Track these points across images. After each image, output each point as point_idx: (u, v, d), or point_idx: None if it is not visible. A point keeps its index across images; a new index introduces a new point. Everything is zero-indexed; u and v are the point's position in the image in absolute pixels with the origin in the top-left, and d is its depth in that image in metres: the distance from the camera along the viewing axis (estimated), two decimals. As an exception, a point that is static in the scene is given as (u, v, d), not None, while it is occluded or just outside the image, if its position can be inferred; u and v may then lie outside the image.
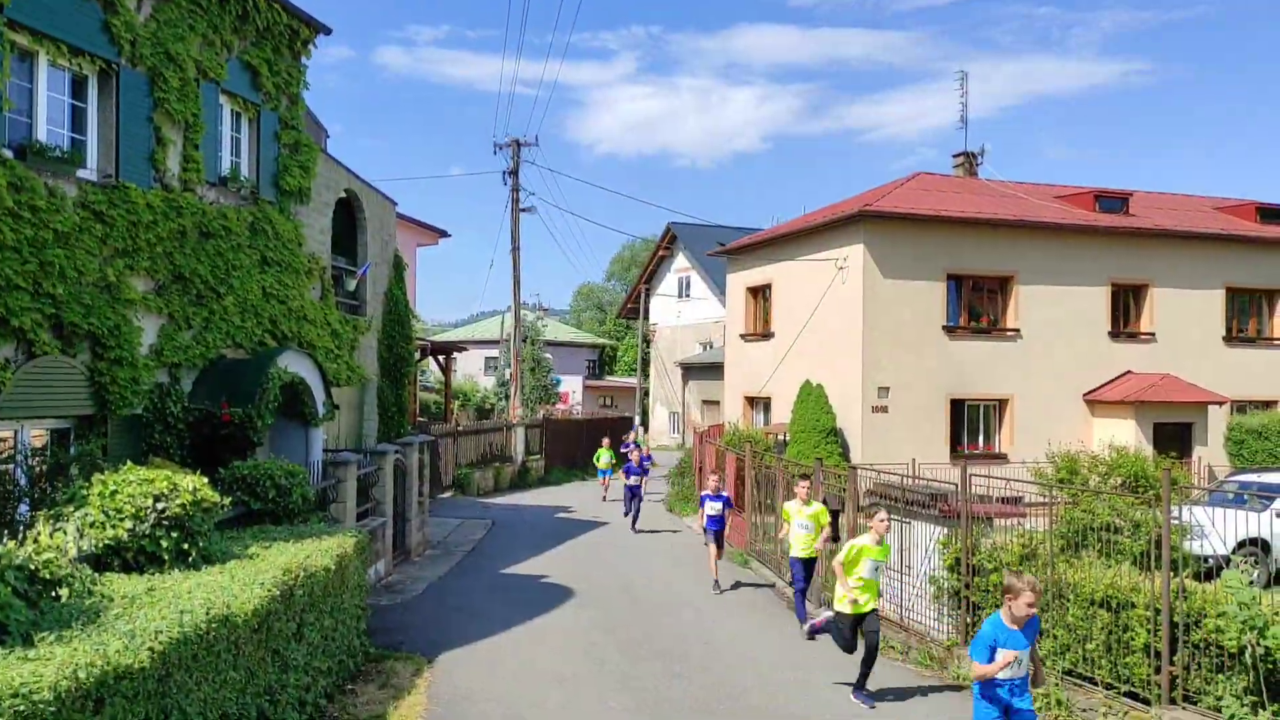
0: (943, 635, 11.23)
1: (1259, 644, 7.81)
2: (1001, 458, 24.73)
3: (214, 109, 13.20)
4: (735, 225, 44.44)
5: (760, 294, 30.23)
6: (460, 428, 28.64)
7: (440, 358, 31.83)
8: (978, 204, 26.97)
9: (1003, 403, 26.06)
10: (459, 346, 35.68)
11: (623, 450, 27.15)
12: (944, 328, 25.56)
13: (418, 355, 25.58)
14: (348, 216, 18.83)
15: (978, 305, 26.48)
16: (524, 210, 31.94)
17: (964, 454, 24.44)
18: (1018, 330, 26.07)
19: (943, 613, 11.35)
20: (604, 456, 27.78)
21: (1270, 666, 7.85)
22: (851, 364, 25.04)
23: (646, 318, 48.27)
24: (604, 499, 26.57)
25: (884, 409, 25.00)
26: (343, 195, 17.99)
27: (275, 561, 8.04)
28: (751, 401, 30.57)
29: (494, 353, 50.74)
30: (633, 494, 21.96)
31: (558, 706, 9.06)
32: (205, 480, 8.39)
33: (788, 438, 25.30)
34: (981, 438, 26.03)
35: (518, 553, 17.66)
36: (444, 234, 29.62)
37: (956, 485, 11.48)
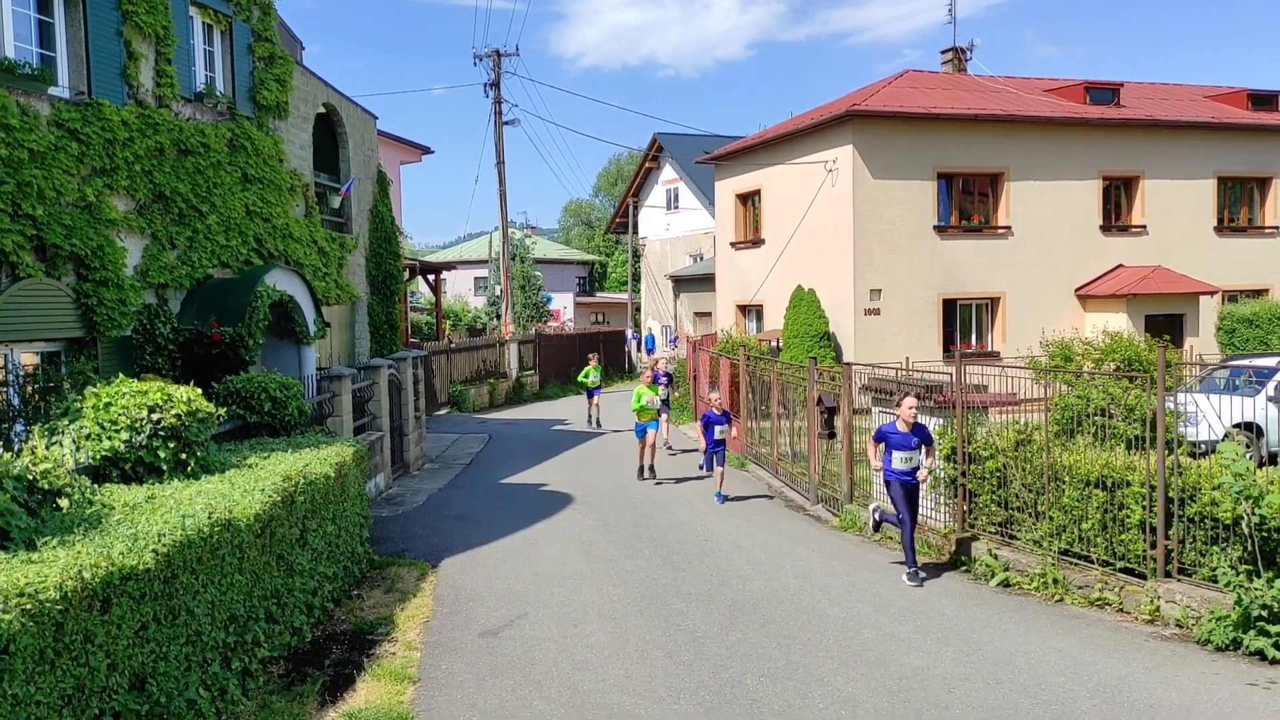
0: (940, 523, 11.36)
1: (1254, 513, 7.90)
2: (994, 355, 24.78)
3: (184, 21, 12.85)
4: (722, 134, 43.85)
5: (749, 200, 29.97)
6: (453, 345, 28.60)
7: (430, 277, 31.64)
8: (967, 101, 26.59)
9: (994, 301, 26.06)
10: (448, 266, 35.45)
11: (658, 381, 17.89)
12: (935, 227, 25.42)
13: (406, 274, 25.41)
14: (328, 132, 18.50)
15: (968, 203, 26.30)
16: (507, 123, 31.45)
17: (957, 353, 24.51)
18: (1009, 227, 25.94)
19: (940, 501, 11.47)
20: (592, 374, 23.79)
21: (1265, 535, 7.95)
22: (843, 267, 24.96)
23: (635, 231, 47.91)
24: (593, 421, 23.47)
25: (876, 311, 24.98)
26: (322, 110, 17.65)
27: (275, 469, 8.05)
28: (744, 310, 30.54)
29: (483, 273, 50.49)
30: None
31: (560, 601, 9.19)
32: (199, 391, 8.35)
33: (780, 344, 25.33)
34: (974, 336, 26.09)
35: (516, 463, 17.77)
36: (427, 150, 29.19)
37: (951, 376, 11.50)
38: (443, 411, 26.33)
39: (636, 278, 49.51)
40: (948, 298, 25.59)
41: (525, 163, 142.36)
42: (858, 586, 9.83)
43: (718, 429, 14.79)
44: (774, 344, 25.70)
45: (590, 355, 24.63)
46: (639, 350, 42.54)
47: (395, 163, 27.13)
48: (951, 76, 30.10)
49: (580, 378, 24.04)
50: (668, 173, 45.74)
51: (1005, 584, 9.86)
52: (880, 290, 24.99)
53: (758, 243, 29.11)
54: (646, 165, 47.28)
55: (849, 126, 24.48)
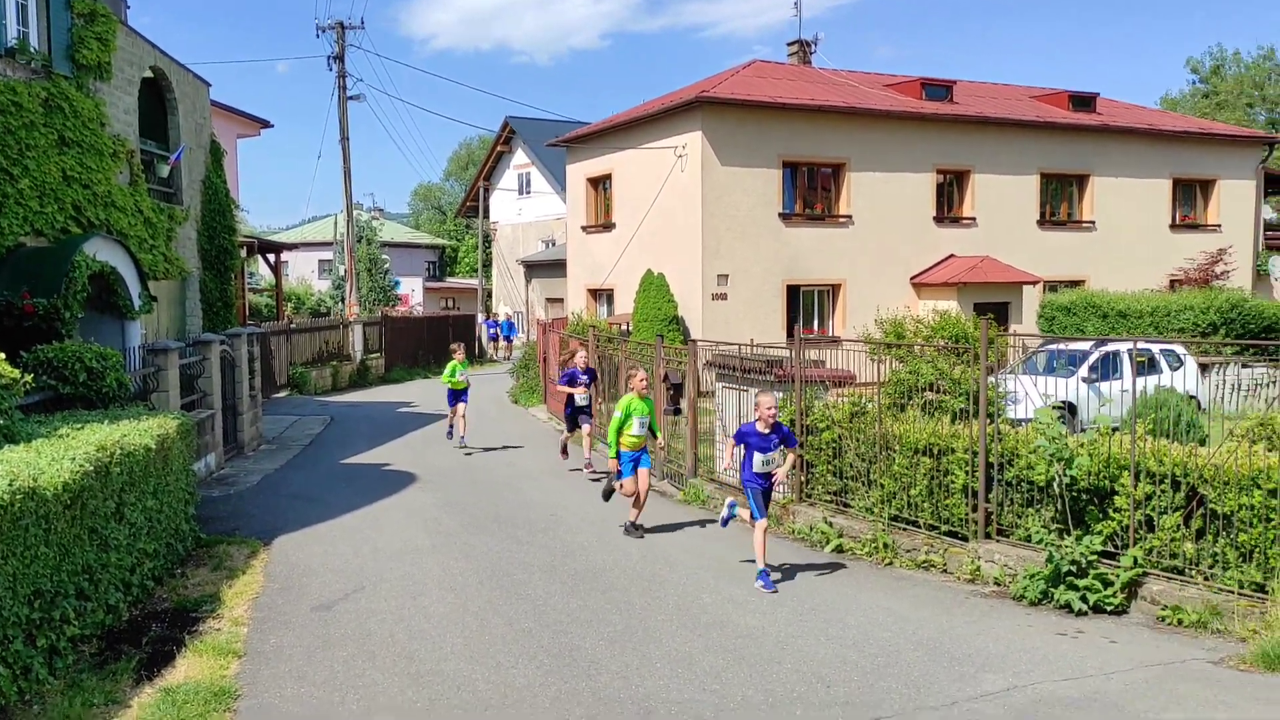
0: (779, 495, 11.63)
1: (1065, 474, 8.38)
2: (835, 341, 25.58)
3: (-9, -32, 11.93)
4: (576, 120, 43.77)
5: (601, 184, 30.00)
6: (294, 325, 27.63)
7: (270, 257, 30.46)
8: (811, 92, 27.31)
9: (835, 287, 26.87)
10: (289, 246, 34.23)
11: (576, 379, 14.85)
12: (780, 215, 26.01)
13: (244, 251, 24.38)
14: (156, 98, 17.51)
15: (812, 193, 27.02)
16: (352, 98, 30.55)
17: (797, 331, 25.16)
18: (850, 217, 26.77)
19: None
20: (459, 371, 16.84)
21: (1074, 495, 8.45)
22: (691, 252, 25.28)
23: (486, 216, 47.36)
24: (455, 436, 16.91)
25: (723, 296, 25.41)
26: (149, 74, 16.70)
27: (88, 439, 7.56)
28: (595, 294, 30.58)
29: (328, 255, 48.98)
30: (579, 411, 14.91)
31: (399, 575, 8.99)
32: (1, 356, 7.78)
33: (631, 327, 25.49)
34: (816, 322, 26.84)
35: (358, 444, 17.30)
36: (266, 124, 28.04)
37: (790, 351, 11.79)
38: (282, 394, 25.41)
39: (488, 263, 48.96)
40: (792, 284, 26.25)
41: (373, 145, 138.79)
42: (699, 556, 9.97)
43: (578, 387, 14.90)
44: (624, 327, 25.86)
45: (454, 347, 17.37)
46: (494, 338, 42.00)
47: (232, 135, 25.96)
48: (797, 68, 30.85)
49: (445, 377, 17.05)
50: (520, 157, 45.39)
51: (840, 550, 10.17)
52: (727, 276, 25.43)
53: (609, 227, 29.18)
54: (498, 149, 46.78)
55: (698, 113, 24.78)
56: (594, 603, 8.19)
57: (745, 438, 9.32)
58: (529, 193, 44.95)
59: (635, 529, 10.85)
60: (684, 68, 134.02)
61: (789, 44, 32.38)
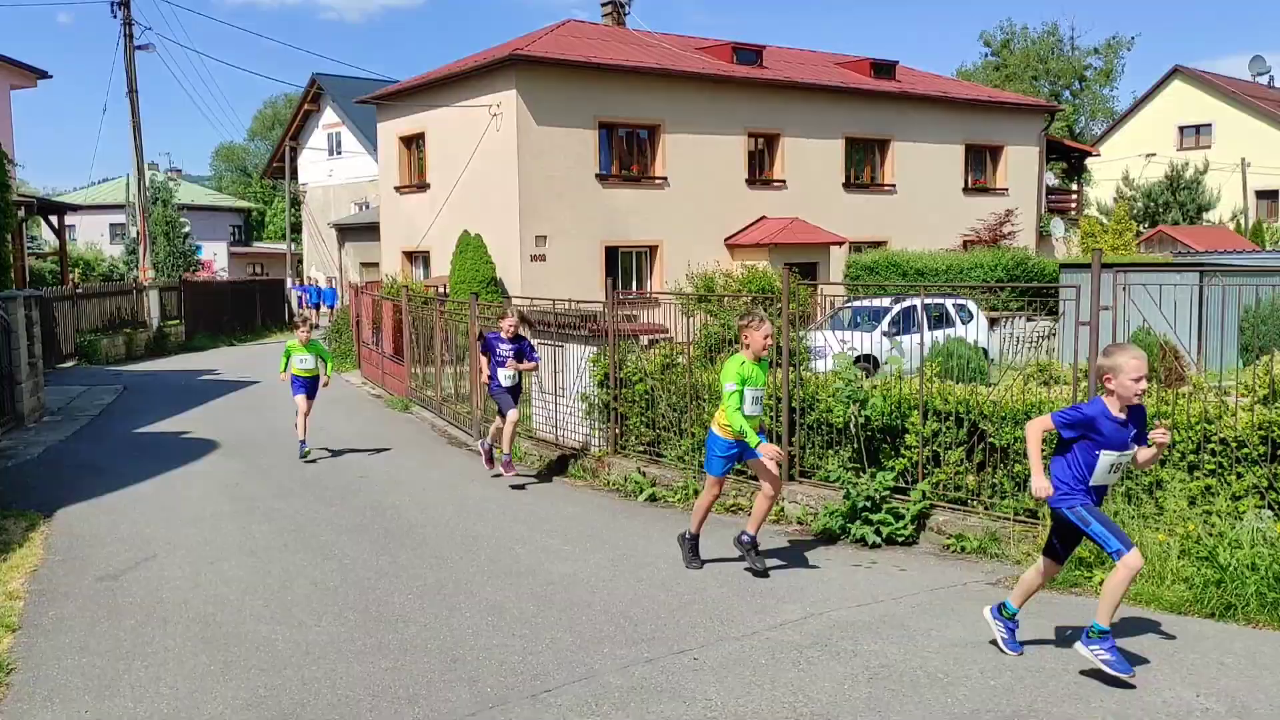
0: (596, 448, 11.72)
1: (860, 415, 8.78)
2: (653, 301, 25.93)
3: None
4: (388, 78, 42.43)
5: (414, 144, 29.26)
6: (80, 289, 25.81)
7: (53, 219, 28.30)
8: (626, 53, 27.37)
9: (653, 248, 27.20)
10: (74, 207, 31.91)
11: (497, 354, 11.18)
12: (597, 176, 26.07)
13: (21, 211, 22.54)
14: (-91, 38, 15.89)
15: (628, 154, 27.17)
16: (140, 48, 28.60)
17: (608, 285, 25.36)
18: (665, 178, 27.10)
19: (594, 427, 11.83)
20: (304, 356, 12.61)
21: (869, 435, 8.87)
22: (509, 213, 25.03)
23: (295, 178, 45.44)
24: (304, 434, 12.55)
25: (542, 258, 25.32)
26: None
27: None
28: (410, 256, 29.90)
29: (120, 218, 45.92)
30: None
31: (196, 541, 8.58)
32: None
33: (448, 290, 25.05)
34: (635, 282, 27.11)
35: (155, 413, 16.37)
36: (43, 74, 25.86)
37: (604, 307, 11.85)
38: (69, 364, 23.75)
39: (297, 227, 47.05)
40: (610, 245, 26.40)
41: (169, 103, 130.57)
42: (513, 509, 9.94)
43: (502, 349, 11.16)
44: (441, 290, 25.39)
45: (301, 322, 13.59)
46: (314, 305, 40.34)
47: (4, 86, 23.87)
48: (611, 29, 30.85)
49: (288, 356, 12.65)
50: (329, 116, 43.67)
51: (653, 499, 10.34)
52: (546, 237, 25.33)
53: (423, 187, 28.53)
54: (306, 108, 44.86)
55: (512, 71, 24.46)
56: (405, 559, 8.05)
57: (491, 346, 11.23)
58: (340, 153, 43.35)
59: (755, 555, 7.48)
60: (503, 28, 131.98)
61: (603, 4, 32.33)
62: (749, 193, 28.66)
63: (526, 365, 11.36)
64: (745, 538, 7.60)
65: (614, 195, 26.33)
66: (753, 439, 7.19)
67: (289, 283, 42.31)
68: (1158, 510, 7.08)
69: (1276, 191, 49.37)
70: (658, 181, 27.04)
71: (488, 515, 9.64)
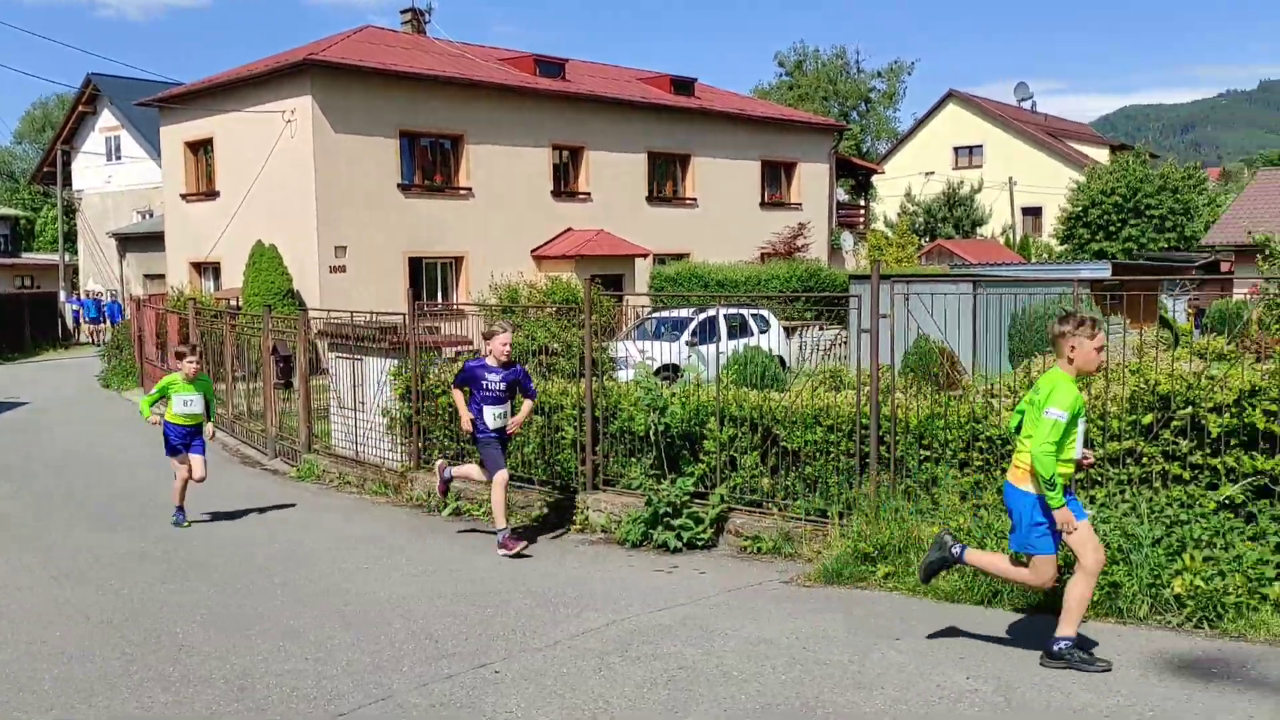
0: (397, 463, 11.47)
1: (660, 422, 8.96)
2: (459, 313, 25.64)
3: None
4: (171, 80, 40.21)
5: (202, 149, 27.86)
6: None
7: None
8: (427, 62, 27.01)
9: (459, 260, 26.90)
10: None
11: (480, 381, 8.80)
12: (399, 186, 25.59)
13: None
14: None
15: (432, 164, 26.80)
16: (-115, 40, 25.94)
17: (408, 294, 24.92)
18: (470, 189, 26.87)
19: (396, 442, 11.58)
20: (189, 397, 9.74)
21: (669, 442, 9.06)
22: (306, 223, 24.21)
23: (68, 184, 42.38)
24: (182, 501, 9.82)
25: (342, 269, 24.61)
26: None
27: None
28: (199, 268, 28.45)
29: None
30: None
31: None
32: None
33: (241, 303, 23.96)
34: (440, 294, 26.72)
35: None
36: None
37: (406, 318, 11.62)
38: None
39: (71, 236, 43.88)
40: (414, 256, 25.94)
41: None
42: (311, 529, 9.61)
43: (490, 380, 8.94)
44: (233, 303, 24.25)
45: (183, 349, 10.39)
46: (93, 320, 37.52)
47: None
48: (412, 37, 30.39)
49: (164, 395, 9.77)
50: (107, 119, 41.00)
51: (458, 512, 10.20)
52: (346, 247, 24.65)
53: (212, 195, 27.20)
54: (81, 109, 41.95)
55: (307, 76, 23.70)
56: (192, 586, 7.63)
57: (474, 377, 8.71)
58: (120, 158, 40.74)
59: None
60: (295, 33, 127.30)
61: (402, 11, 31.85)
62: (555, 205, 28.79)
63: (525, 409, 9.01)
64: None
65: (417, 205, 25.89)
66: (1056, 499, 5.34)
67: (62, 296, 39.38)
68: (933, 505, 7.55)
69: (1040, 208, 53.68)
70: (462, 192, 26.77)
71: (282, 536, 9.27)
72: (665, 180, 32.04)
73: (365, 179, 24.70)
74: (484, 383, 8.69)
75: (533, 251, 28.11)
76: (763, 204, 34.27)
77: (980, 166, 54.88)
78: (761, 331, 20.39)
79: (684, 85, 32.96)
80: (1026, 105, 62.34)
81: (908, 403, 8.26)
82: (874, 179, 46.30)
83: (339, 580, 7.78)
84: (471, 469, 9.07)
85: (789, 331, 22.31)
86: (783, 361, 19.76)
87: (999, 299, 20.24)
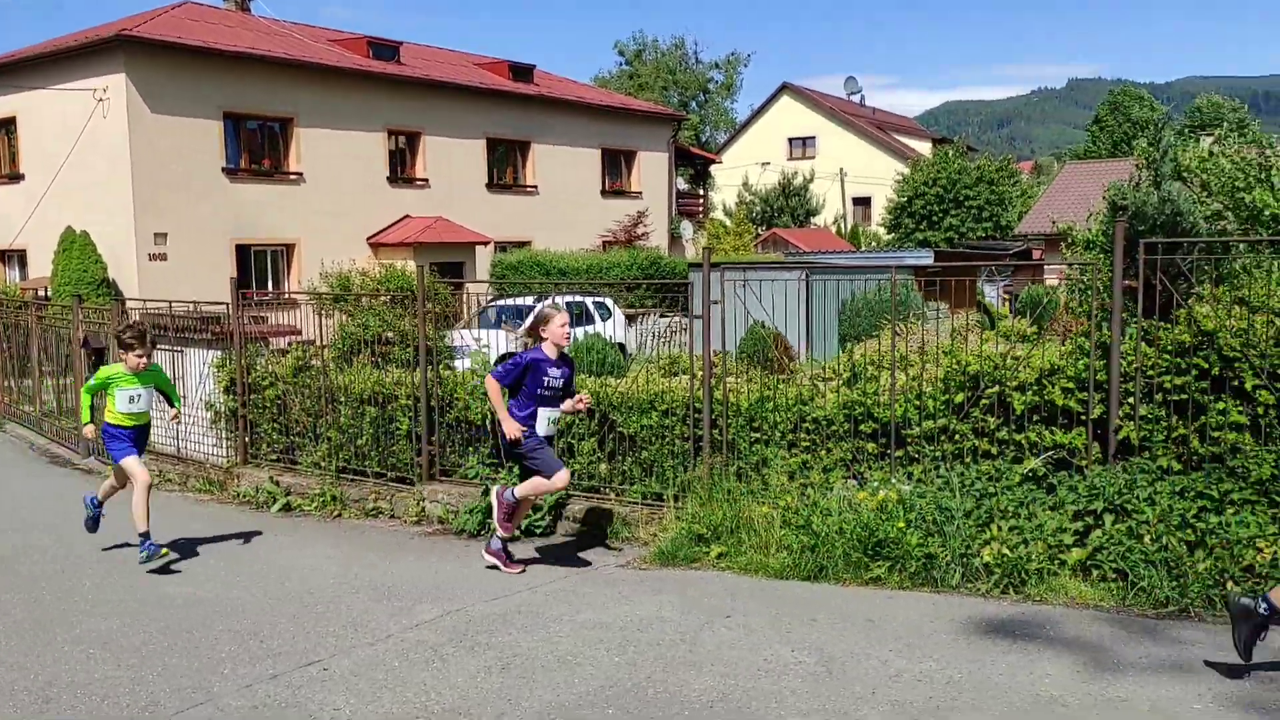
0: (222, 459, 11.02)
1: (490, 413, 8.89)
2: (291, 303, 24.76)
3: None
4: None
5: (3, 129, 25.94)
6: None
7: None
8: (252, 40, 25.93)
9: (290, 247, 25.98)
10: None
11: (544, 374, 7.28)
12: (224, 170, 24.52)
13: None
14: None
15: (258, 147, 25.76)
16: None
17: (232, 282, 23.96)
18: (300, 174, 25.98)
19: (222, 436, 11.12)
20: (133, 394, 7.86)
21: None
22: (121, 208, 22.90)
23: None
24: (146, 538, 7.69)
25: (163, 256, 23.42)
26: None
27: None
28: (3, 256, 26.53)
29: None
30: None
31: None
32: None
33: (50, 293, 22.49)
34: (271, 283, 25.77)
35: None
36: None
37: (229, 307, 11.14)
38: None
39: None
40: (241, 243, 24.91)
41: None
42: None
43: (552, 374, 7.53)
44: (41, 293, 22.74)
45: (130, 340, 7.85)
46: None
47: None
48: (236, 15, 29.10)
49: (103, 388, 7.92)
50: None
51: (288, 508, 9.89)
52: (167, 234, 23.47)
53: (16, 178, 25.41)
54: None
55: (120, 53, 22.40)
56: (-10, 596, 7.13)
57: (536, 368, 7.16)
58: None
59: None
60: (112, 6, 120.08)
61: (227, -13, 30.38)
62: (391, 191, 28.14)
63: (582, 400, 7.54)
64: None
65: (244, 191, 24.85)
66: None
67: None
68: (763, 485, 7.76)
69: (869, 198, 55.84)
70: (292, 177, 25.84)
71: (98, 539, 8.75)
72: (505, 167, 31.77)
73: (187, 162, 23.53)
74: (545, 379, 7.15)
75: (369, 239, 27.41)
76: (604, 192, 34.41)
77: (813, 158, 56.62)
78: (603, 319, 20.52)
79: (523, 72, 32.74)
80: (856, 99, 64.67)
81: (739, 387, 8.47)
82: (712, 169, 47.16)
83: (158, 582, 7.41)
84: (538, 483, 7.23)
85: (630, 319, 22.54)
86: (623, 348, 19.94)
87: (831, 285, 20.98)
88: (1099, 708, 4.68)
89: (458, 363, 11.31)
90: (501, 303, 20.67)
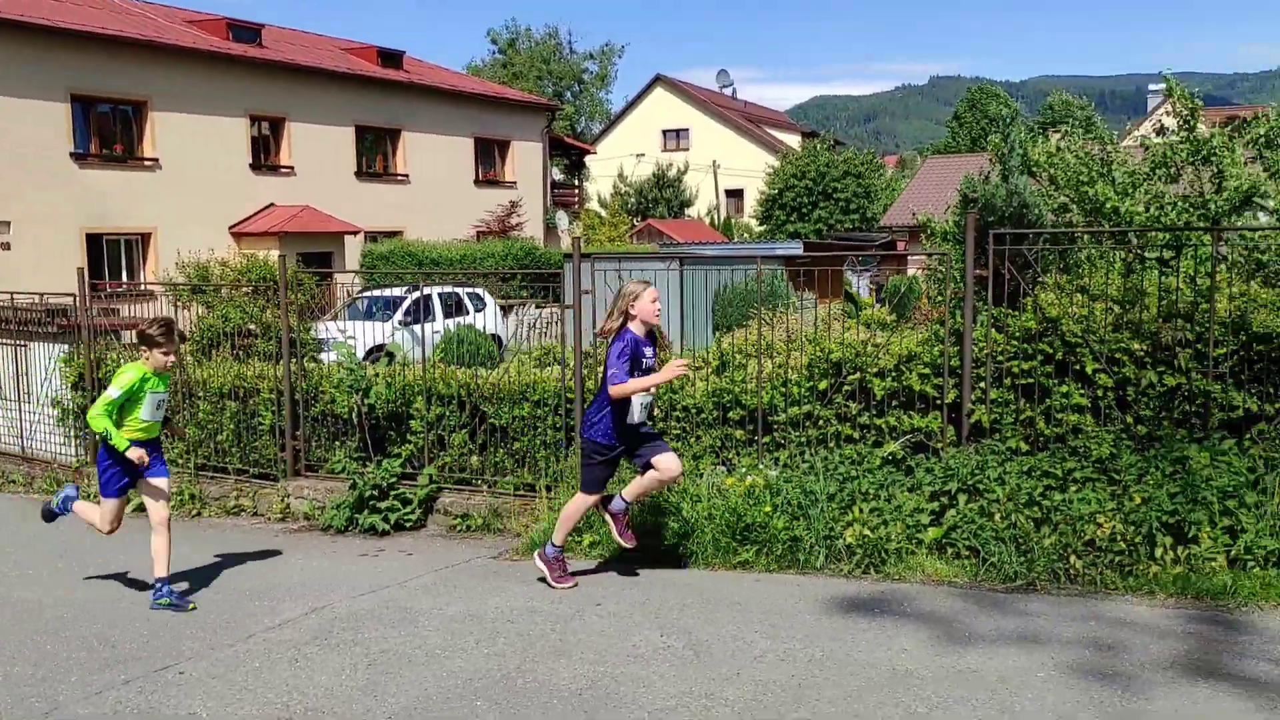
0: (72, 458, 10.50)
1: (364, 404, 8.73)
2: (149, 295, 23.74)
3: None
4: None
5: None
6: None
7: None
8: (102, 19, 24.68)
9: (145, 236, 24.90)
10: None
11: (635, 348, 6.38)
12: (73, 155, 23.33)
13: None
14: None
15: (111, 131, 24.58)
16: None
17: (80, 274, 22.86)
18: (156, 160, 24.91)
19: (71, 435, 10.59)
20: (160, 400, 6.63)
21: (374, 423, 8.84)
22: (-43, 194, 21.51)
23: None
24: (165, 585, 6.61)
25: (6, 246, 22.14)
26: None
27: None
28: None
29: None
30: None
31: None
32: None
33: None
34: (126, 273, 24.64)
35: None
36: None
37: (76, 299, 10.61)
38: None
39: None
40: (92, 232, 23.76)
41: None
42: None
43: (644, 349, 6.62)
44: None
45: (160, 337, 6.49)
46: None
47: None
48: (84, -9, 27.62)
49: (131, 398, 6.44)
50: None
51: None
52: (9, 223, 22.17)
53: None
54: None
55: (-45, 29, 21.01)
56: None
57: (638, 350, 6.30)
58: None
59: None
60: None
61: (74, -37, 28.78)
62: (255, 179, 27.22)
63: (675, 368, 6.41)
64: None
65: (95, 177, 23.66)
66: None
67: None
68: (634, 474, 7.81)
69: (742, 190, 56.72)
70: (147, 163, 24.72)
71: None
72: (375, 155, 31.09)
73: (29, 146, 22.24)
74: (642, 361, 6.34)
75: (232, 229, 26.46)
76: (477, 181, 34.03)
77: (687, 149, 57.18)
78: (478, 310, 20.34)
79: (392, 58, 32.07)
80: (728, 92, 65.56)
81: (610, 376, 8.49)
82: (588, 160, 47.12)
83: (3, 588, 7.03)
84: (654, 475, 6.43)
85: (506, 310, 22.37)
86: (499, 339, 19.80)
87: (704, 275, 21.23)
88: (950, 679, 4.88)
89: (324, 355, 11.04)
90: (373, 293, 20.25)
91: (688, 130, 58.52)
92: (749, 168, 54.49)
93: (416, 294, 19.28)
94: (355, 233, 28.38)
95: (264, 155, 27.82)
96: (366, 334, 16.01)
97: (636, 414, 6.33)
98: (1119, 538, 6.16)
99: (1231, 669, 4.86)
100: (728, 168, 55.49)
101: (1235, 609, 5.62)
